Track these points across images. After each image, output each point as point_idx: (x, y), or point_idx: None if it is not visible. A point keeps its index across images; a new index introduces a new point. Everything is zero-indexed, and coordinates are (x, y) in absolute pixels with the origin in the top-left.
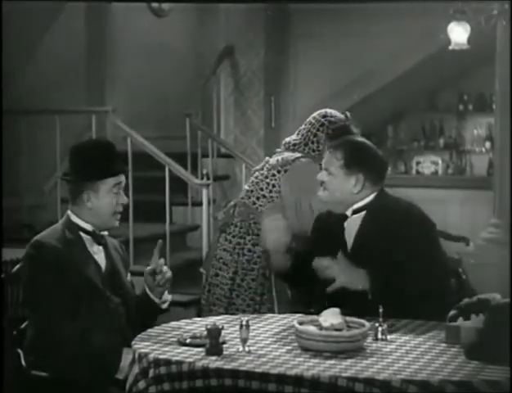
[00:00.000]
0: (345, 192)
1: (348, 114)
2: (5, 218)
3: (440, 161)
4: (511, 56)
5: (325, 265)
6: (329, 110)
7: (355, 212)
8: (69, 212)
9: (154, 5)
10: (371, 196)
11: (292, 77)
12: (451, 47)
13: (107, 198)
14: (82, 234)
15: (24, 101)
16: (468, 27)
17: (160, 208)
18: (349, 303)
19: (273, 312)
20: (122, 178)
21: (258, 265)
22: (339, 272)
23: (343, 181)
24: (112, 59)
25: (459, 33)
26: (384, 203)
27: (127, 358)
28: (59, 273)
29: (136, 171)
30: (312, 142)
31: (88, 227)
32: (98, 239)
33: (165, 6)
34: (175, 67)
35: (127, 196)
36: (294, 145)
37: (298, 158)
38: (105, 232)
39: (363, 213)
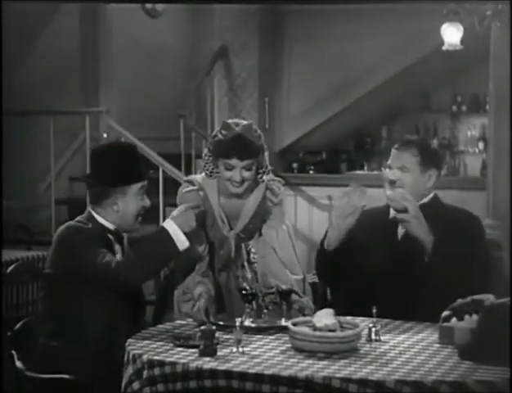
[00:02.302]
0: (419, 188)
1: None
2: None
3: None
4: (511, 56)
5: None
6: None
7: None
8: (91, 210)
9: (148, 6)
10: (431, 195)
11: (286, 78)
12: (444, 48)
13: (134, 202)
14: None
15: (18, 102)
16: (461, 28)
17: (154, 209)
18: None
19: None
20: (146, 181)
21: None
22: (412, 207)
23: (419, 177)
24: (106, 60)
25: (452, 34)
26: (441, 203)
27: (173, 228)
28: (92, 255)
29: None
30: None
31: (111, 226)
32: (120, 239)
33: (159, 6)
34: (169, 68)
35: None
36: None
37: (184, 181)
38: (125, 234)
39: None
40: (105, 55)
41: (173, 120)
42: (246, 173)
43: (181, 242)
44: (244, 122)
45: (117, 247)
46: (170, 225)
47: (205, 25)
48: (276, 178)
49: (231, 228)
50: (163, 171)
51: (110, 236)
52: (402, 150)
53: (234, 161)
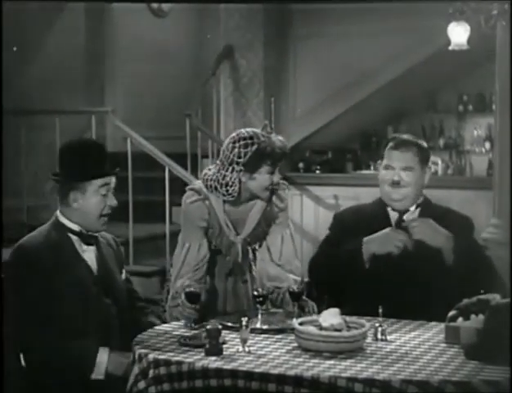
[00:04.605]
0: (420, 187)
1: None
2: (5, 218)
3: (440, 162)
4: (511, 56)
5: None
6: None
7: (418, 206)
8: (57, 212)
9: (154, 5)
10: (421, 198)
11: (292, 77)
12: (450, 48)
13: (94, 199)
14: (70, 235)
15: (23, 102)
16: (468, 27)
17: (160, 208)
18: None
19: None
20: (111, 179)
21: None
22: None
23: (420, 176)
24: (112, 59)
25: (459, 34)
26: (431, 203)
27: (102, 357)
28: (42, 278)
29: (136, 171)
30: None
31: (76, 227)
32: (87, 239)
33: (165, 6)
34: (175, 67)
35: (127, 196)
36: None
37: (188, 190)
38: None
39: (419, 208)
40: (110, 54)
41: (179, 120)
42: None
43: (98, 371)
44: (255, 129)
45: (85, 247)
46: (103, 354)
47: (211, 25)
48: (281, 181)
49: (238, 234)
50: (170, 171)
51: (74, 237)
52: (404, 150)
53: (275, 165)
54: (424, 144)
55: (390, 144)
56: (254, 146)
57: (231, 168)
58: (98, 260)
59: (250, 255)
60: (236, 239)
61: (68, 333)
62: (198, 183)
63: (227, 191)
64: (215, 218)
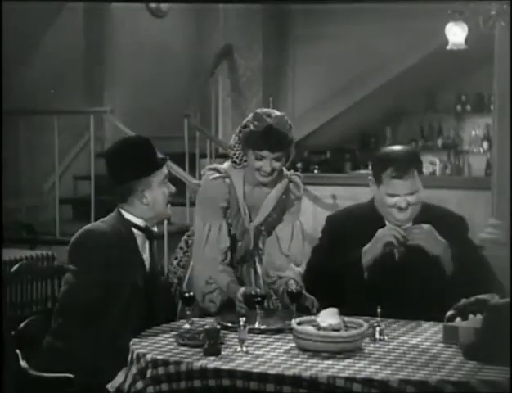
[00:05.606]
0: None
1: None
2: (4, 218)
3: (438, 162)
4: (511, 56)
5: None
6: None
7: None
8: (120, 209)
9: (152, 5)
10: None
11: (290, 77)
12: (448, 48)
13: (160, 190)
14: (134, 230)
15: (22, 102)
16: (466, 27)
17: None
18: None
19: None
20: (166, 168)
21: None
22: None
23: (420, 186)
24: (111, 59)
25: (457, 34)
26: (425, 203)
27: (121, 376)
28: (105, 264)
29: None
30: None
31: (141, 223)
32: (150, 234)
33: (163, 6)
34: (173, 67)
35: None
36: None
37: (208, 169)
38: (155, 229)
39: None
40: (109, 54)
41: (178, 120)
42: (276, 164)
43: (112, 385)
44: (277, 113)
45: (146, 246)
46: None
47: (210, 25)
48: (295, 172)
49: (251, 220)
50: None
51: (139, 232)
52: (407, 177)
53: (265, 152)
54: (416, 152)
55: (388, 171)
56: (253, 125)
57: (238, 132)
58: (151, 259)
59: (256, 249)
60: (249, 226)
61: (107, 327)
62: (217, 165)
63: (230, 154)
64: (234, 197)
